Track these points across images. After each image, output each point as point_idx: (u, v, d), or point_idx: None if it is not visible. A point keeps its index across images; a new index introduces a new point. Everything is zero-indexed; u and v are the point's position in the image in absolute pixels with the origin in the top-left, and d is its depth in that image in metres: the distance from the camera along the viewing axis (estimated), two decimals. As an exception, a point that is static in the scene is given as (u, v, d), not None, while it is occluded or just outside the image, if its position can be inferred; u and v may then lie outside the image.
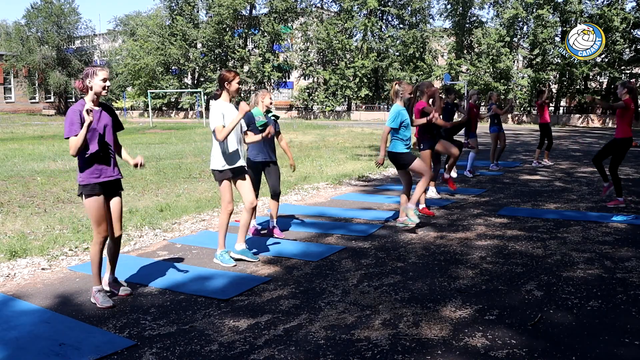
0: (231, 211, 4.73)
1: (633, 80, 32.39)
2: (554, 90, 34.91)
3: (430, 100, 6.82)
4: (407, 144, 5.88)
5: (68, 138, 3.64)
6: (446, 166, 7.88)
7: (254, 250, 5.09)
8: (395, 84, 5.89)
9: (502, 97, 32.80)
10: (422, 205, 6.74)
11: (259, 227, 5.93)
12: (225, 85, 4.65)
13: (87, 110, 3.60)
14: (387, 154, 5.94)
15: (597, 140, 17.83)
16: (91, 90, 3.73)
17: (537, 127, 13.14)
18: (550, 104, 11.55)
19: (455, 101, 9.14)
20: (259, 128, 5.54)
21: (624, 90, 6.86)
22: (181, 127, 28.41)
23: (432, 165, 7.19)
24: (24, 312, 3.71)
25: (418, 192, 5.91)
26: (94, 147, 3.72)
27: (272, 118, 5.78)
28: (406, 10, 39.75)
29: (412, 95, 6.06)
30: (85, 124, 3.59)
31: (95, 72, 3.74)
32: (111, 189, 3.87)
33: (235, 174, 4.74)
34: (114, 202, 3.92)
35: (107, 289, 4.03)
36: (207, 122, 31.49)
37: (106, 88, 3.77)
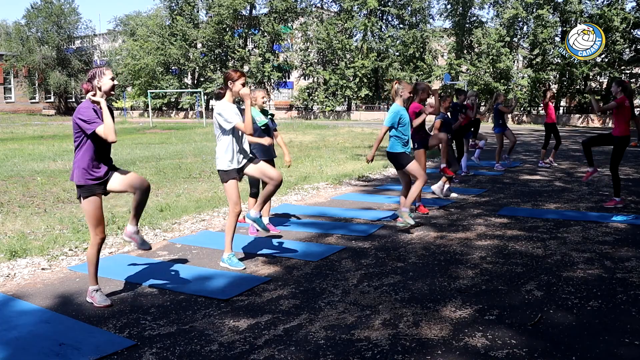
0: (239, 212, 4.69)
1: (633, 80, 32.44)
2: (554, 90, 34.91)
3: (430, 100, 6.98)
4: (404, 144, 5.92)
5: (93, 132, 3.62)
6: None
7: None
8: (395, 83, 5.99)
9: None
10: (418, 203, 6.92)
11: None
12: (229, 84, 4.62)
13: (92, 101, 3.69)
14: (387, 154, 6.07)
15: (597, 140, 17.78)
16: (100, 90, 3.76)
17: (536, 127, 13.12)
18: (552, 101, 11.51)
19: (464, 102, 9.28)
20: (261, 128, 5.63)
21: (619, 89, 6.93)
22: (181, 127, 28.39)
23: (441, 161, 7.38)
24: (24, 312, 3.71)
25: (412, 195, 5.94)
26: (96, 145, 3.73)
27: (269, 117, 5.87)
28: (406, 10, 39.74)
29: (411, 95, 6.19)
30: (103, 105, 3.67)
31: (103, 72, 3.78)
32: (106, 180, 3.84)
33: (241, 172, 4.72)
34: (118, 175, 3.83)
35: (127, 238, 4.03)
36: (207, 122, 31.59)
37: (114, 87, 3.83)
